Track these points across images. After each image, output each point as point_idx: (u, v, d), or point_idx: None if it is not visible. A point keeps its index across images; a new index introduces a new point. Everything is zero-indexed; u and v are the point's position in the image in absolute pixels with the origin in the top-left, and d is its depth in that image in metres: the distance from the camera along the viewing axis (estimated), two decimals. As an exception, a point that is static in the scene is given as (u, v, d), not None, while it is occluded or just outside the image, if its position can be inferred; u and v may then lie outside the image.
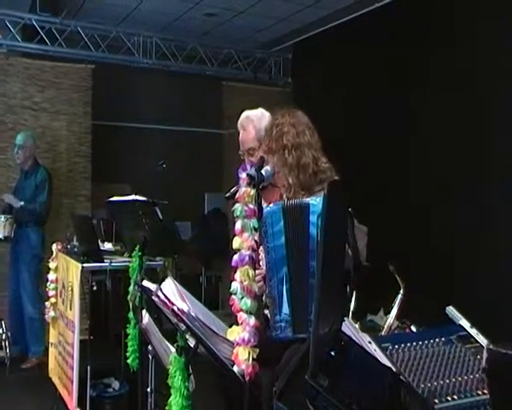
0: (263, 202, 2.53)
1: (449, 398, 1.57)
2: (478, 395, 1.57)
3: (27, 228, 6.04)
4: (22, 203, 5.99)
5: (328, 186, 1.64)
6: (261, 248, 2.52)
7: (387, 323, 3.75)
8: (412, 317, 3.58)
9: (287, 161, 2.68)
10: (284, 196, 2.75)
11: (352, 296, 2.59)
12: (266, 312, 2.48)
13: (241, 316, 2.36)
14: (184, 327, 2.44)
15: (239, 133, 3.39)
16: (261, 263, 2.47)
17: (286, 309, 2.35)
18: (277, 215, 2.40)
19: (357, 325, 3.15)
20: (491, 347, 1.30)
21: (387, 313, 3.82)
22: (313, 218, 2.31)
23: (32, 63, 7.09)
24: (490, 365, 1.22)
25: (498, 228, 5.09)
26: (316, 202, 2.34)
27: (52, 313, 5.26)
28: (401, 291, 3.73)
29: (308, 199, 2.40)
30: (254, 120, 3.33)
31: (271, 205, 2.49)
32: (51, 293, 5.25)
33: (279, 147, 2.71)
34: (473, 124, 5.36)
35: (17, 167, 6.53)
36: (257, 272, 2.44)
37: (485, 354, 1.23)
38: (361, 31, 6.77)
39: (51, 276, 5.27)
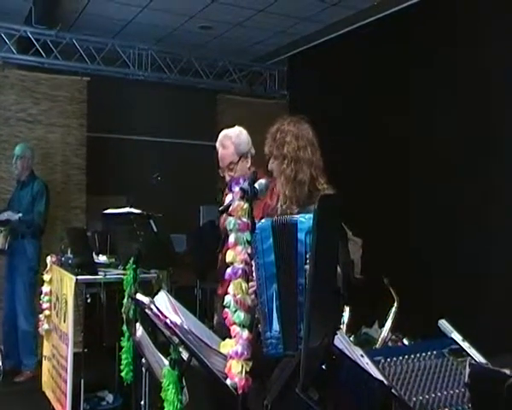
0: None
1: (440, 411, 1.57)
2: (469, 407, 1.57)
3: (24, 240, 6.00)
4: (20, 215, 5.96)
5: (319, 201, 1.64)
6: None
7: (382, 336, 3.74)
8: (406, 330, 3.57)
9: (285, 171, 2.70)
10: (278, 205, 2.76)
11: (343, 312, 2.59)
12: (259, 326, 2.47)
13: (235, 329, 2.36)
14: (177, 340, 2.44)
15: (218, 152, 3.52)
16: (254, 275, 2.46)
17: (276, 326, 2.33)
18: (267, 232, 2.39)
19: (351, 338, 3.15)
20: (473, 361, 1.30)
21: (382, 325, 3.82)
22: (301, 235, 2.30)
23: (27, 75, 7.09)
24: (472, 379, 1.22)
25: (497, 244, 5.09)
26: (304, 219, 2.32)
27: (46, 326, 5.25)
28: (395, 304, 3.73)
29: (297, 216, 2.39)
30: (232, 137, 3.52)
31: (262, 220, 2.48)
32: (45, 305, 5.24)
33: (279, 154, 2.72)
34: (471, 135, 5.38)
35: (10, 179, 6.53)
36: (250, 284, 2.44)
37: (467, 369, 1.23)
38: (356, 43, 6.81)
39: (45, 288, 5.26)
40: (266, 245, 2.38)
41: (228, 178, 3.51)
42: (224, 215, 2.66)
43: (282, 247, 2.35)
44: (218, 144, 3.57)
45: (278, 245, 2.36)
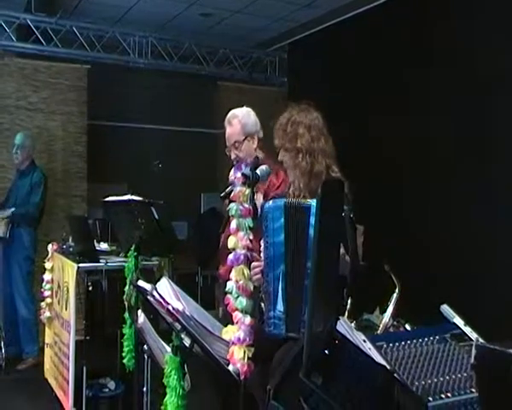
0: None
1: (443, 396, 1.57)
2: (472, 392, 1.57)
3: (20, 228, 6.01)
4: (13, 210, 5.95)
5: (322, 185, 1.63)
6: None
7: (383, 322, 3.74)
8: (407, 315, 3.58)
9: (300, 164, 2.68)
10: (290, 191, 2.75)
11: (347, 301, 2.59)
12: (262, 305, 2.47)
13: (237, 315, 2.37)
14: (180, 327, 2.45)
15: (225, 131, 3.51)
16: (261, 255, 2.46)
17: (280, 306, 2.34)
18: (279, 212, 2.40)
19: (353, 324, 3.16)
20: (479, 343, 1.30)
21: (383, 311, 3.82)
22: (313, 220, 2.30)
23: (27, 63, 7.08)
24: (478, 360, 1.22)
25: (496, 229, 5.09)
26: None
27: (48, 314, 5.25)
28: (396, 290, 3.73)
29: (310, 201, 2.39)
30: (240, 116, 3.53)
31: (274, 200, 2.49)
32: (47, 293, 5.24)
33: (292, 148, 2.71)
34: (472, 124, 5.36)
35: (12, 168, 6.52)
36: (256, 264, 2.44)
37: (473, 351, 1.23)
38: (357, 30, 6.77)
39: (47, 276, 5.26)
40: (277, 225, 2.39)
41: (233, 157, 3.52)
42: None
43: (293, 229, 2.36)
44: (225, 123, 3.58)
45: (289, 226, 2.37)
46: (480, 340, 1.70)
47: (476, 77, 5.30)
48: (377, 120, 6.27)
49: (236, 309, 2.37)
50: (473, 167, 5.32)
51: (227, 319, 2.58)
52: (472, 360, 1.24)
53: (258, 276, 2.44)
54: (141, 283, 2.86)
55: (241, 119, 3.52)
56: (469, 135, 5.35)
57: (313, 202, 2.35)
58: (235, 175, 2.47)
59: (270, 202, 2.48)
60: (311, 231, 2.29)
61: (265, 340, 2.39)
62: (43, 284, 5.29)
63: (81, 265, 4.54)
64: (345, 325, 1.65)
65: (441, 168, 5.58)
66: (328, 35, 7.34)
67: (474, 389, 1.57)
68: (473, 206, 5.27)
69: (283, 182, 3.03)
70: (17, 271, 6.04)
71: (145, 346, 3.27)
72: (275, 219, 2.39)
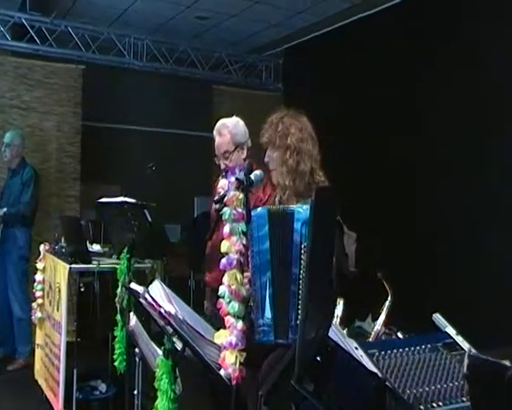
0: None
1: (434, 404, 1.58)
2: (463, 401, 1.58)
3: (14, 228, 5.98)
4: (5, 210, 5.91)
5: (315, 192, 1.64)
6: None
7: (375, 329, 3.74)
8: (400, 324, 3.59)
9: (287, 162, 2.72)
10: (277, 196, 2.77)
11: (336, 304, 2.60)
12: (252, 316, 2.48)
13: (229, 320, 2.37)
14: (171, 330, 2.44)
15: (215, 140, 3.56)
16: (249, 263, 2.47)
17: (268, 314, 2.35)
18: (263, 219, 2.40)
19: (344, 331, 3.16)
20: (472, 353, 1.31)
21: (375, 319, 3.82)
22: (297, 225, 2.32)
23: (22, 62, 7.05)
24: (471, 371, 1.22)
25: (489, 237, 5.11)
26: (301, 209, 2.34)
27: (39, 314, 5.23)
28: (389, 298, 3.73)
29: (293, 206, 2.41)
30: (230, 126, 3.57)
31: (258, 209, 2.50)
32: (38, 294, 5.21)
33: (282, 145, 2.74)
34: (468, 128, 5.38)
35: (4, 167, 6.49)
36: (246, 274, 2.45)
37: (466, 360, 1.23)
38: (352, 37, 6.80)
39: (38, 277, 5.24)
40: (262, 232, 2.39)
41: (223, 167, 3.55)
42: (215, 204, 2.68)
43: (278, 235, 2.37)
44: (215, 132, 3.62)
45: (274, 233, 2.37)
46: (473, 350, 1.71)
47: (481, 82, 5.32)
48: (372, 126, 6.29)
49: (228, 314, 2.37)
50: (471, 175, 5.33)
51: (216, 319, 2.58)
52: (464, 370, 1.25)
53: (248, 286, 2.44)
54: (133, 285, 2.85)
55: (231, 129, 3.56)
56: (463, 141, 5.37)
57: (296, 208, 2.36)
58: (228, 180, 2.47)
59: (255, 210, 2.49)
60: (296, 237, 2.31)
61: (258, 345, 2.39)
62: (35, 284, 5.26)
63: (73, 266, 4.51)
64: (337, 332, 1.66)
65: (436, 176, 5.59)
66: (324, 41, 7.36)
67: (465, 399, 1.58)
68: (468, 216, 5.28)
69: (270, 197, 3.06)
70: (12, 270, 5.99)
71: (136, 349, 3.26)
72: (259, 227, 2.40)
